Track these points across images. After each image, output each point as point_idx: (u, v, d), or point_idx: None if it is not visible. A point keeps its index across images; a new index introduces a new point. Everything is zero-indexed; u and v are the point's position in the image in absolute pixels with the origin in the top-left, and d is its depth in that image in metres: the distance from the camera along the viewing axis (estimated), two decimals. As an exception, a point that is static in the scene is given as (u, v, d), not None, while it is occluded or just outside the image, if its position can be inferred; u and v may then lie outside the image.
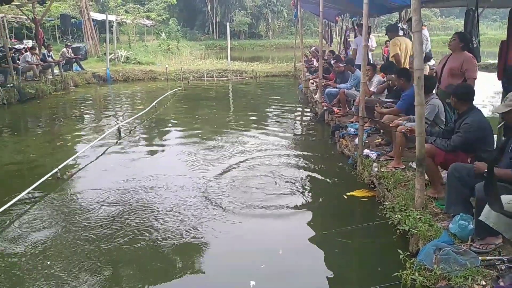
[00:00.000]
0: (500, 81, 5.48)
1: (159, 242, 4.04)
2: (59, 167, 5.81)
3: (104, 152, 7.08)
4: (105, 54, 18.37)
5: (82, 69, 17.00)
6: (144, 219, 4.56)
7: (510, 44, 5.37)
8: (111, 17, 23.21)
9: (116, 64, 19.00)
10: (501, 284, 2.72)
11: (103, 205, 4.92)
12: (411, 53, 7.86)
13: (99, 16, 26.10)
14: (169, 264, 3.73)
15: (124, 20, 27.44)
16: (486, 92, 11.18)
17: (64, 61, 15.98)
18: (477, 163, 3.41)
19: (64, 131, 8.97)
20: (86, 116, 10.88)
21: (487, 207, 2.84)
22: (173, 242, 4.04)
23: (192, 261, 3.76)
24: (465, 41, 5.39)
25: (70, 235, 4.19)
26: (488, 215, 2.82)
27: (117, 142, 7.78)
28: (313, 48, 15.89)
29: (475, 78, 5.28)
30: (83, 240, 4.09)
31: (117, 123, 8.95)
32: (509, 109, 3.15)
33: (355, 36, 11.16)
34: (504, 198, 2.70)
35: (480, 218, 2.91)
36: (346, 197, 5.06)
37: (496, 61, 6.60)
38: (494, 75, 5.72)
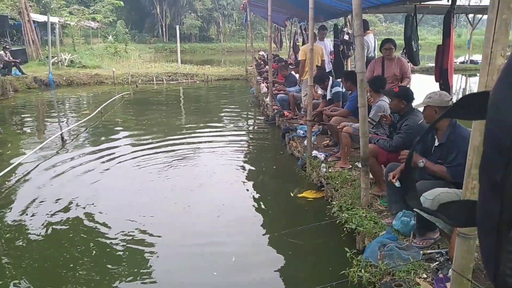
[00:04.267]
0: (438, 83, 5.81)
1: (104, 250, 3.89)
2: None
3: (44, 161, 6.71)
4: (47, 57, 17.49)
5: (22, 73, 16.06)
6: (86, 238, 4.36)
7: (445, 48, 5.71)
8: (54, 19, 22.19)
9: (59, 68, 18.15)
10: (440, 275, 2.86)
11: (36, 217, 4.66)
12: (323, 58, 8.27)
13: (41, 18, 24.80)
14: (116, 275, 3.59)
15: (68, 22, 26.28)
16: (426, 93, 11.77)
17: (1, 65, 15.04)
18: (390, 174, 3.59)
19: (2, 139, 8.42)
20: (26, 123, 10.30)
21: (421, 199, 2.98)
22: (120, 248, 3.90)
23: (143, 270, 3.64)
24: (396, 45, 5.74)
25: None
26: (424, 205, 2.96)
27: (57, 151, 7.41)
28: (261, 52, 16.07)
29: (410, 79, 5.60)
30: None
31: (61, 130, 8.54)
32: (425, 105, 3.36)
33: (303, 41, 11.39)
34: (435, 191, 2.85)
35: (414, 209, 3.06)
36: (296, 197, 5.13)
37: (434, 65, 6.99)
38: (433, 78, 6.05)
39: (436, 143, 3.42)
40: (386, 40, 5.72)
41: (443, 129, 3.28)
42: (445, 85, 5.70)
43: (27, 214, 4.72)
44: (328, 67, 8.49)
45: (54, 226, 4.44)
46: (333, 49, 8.80)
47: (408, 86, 5.48)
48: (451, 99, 3.28)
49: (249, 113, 11.54)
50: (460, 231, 1.84)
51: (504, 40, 1.60)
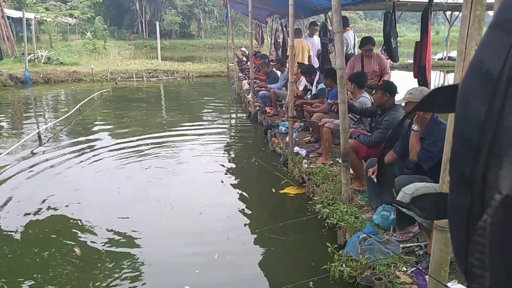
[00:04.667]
0: (416, 79, 5.90)
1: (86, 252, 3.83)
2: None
3: (20, 161, 6.55)
4: (23, 54, 17.05)
5: (-3, 70, 15.66)
6: (67, 238, 4.29)
7: (423, 45, 5.79)
8: (29, 15, 21.67)
9: (36, 65, 17.72)
10: (420, 268, 2.91)
11: (12, 217, 4.56)
12: (310, 53, 8.32)
13: (15, 14, 24.18)
14: (96, 277, 3.53)
15: (45, 18, 25.66)
16: (405, 89, 11.95)
17: (-25, 62, 14.62)
18: (370, 170, 3.66)
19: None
20: (2, 121, 10.03)
21: (400, 193, 3.03)
22: (100, 249, 3.85)
23: (124, 271, 3.59)
24: (374, 43, 5.79)
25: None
26: (402, 199, 3.01)
27: (34, 150, 7.24)
28: (243, 48, 16.02)
29: (390, 75, 5.69)
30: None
31: (38, 128, 8.35)
32: (406, 101, 3.43)
33: (283, 38, 11.39)
34: (414, 186, 2.90)
35: (393, 203, 3.11)
36: (278, 193, 5.14)
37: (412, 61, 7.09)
38: (411, 74, 6.13)
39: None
40: (366, 41, 5.78)
41: (424, 125, 3.32)
42: (423, 81, 5.78)
43: (1, 216, 4.60)
44: (315, 64, 8.50)
45: (30, 228, 4.34)
46: (320, 48, 8.79)
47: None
48: None
49: (231, 110, 11.51)
50: (437, 224, 1.87)
51: (478, 36, 1.62)
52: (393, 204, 3.18)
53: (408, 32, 46.56)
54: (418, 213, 0.62)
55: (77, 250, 3.82)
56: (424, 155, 3.18)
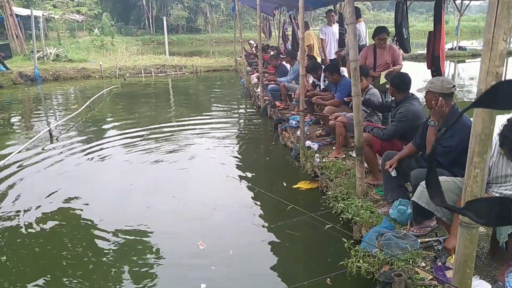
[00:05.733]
0: (430, 70, 5.80)
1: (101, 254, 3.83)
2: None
3: (32, 158, 6.58)
4: (32, 52, 17.14)
5: (7, 68, 15.73)
6: (81, 233, 4.30)
7: (436, 35, 5.69)
8: (37, 12, 21.76)
9: (45, 62, 17.81)
10: (439, 264, 2.86)
11: (26, 214, 4.58)
12: (319, 45, 8.22)
13: (24, 11, 24.28)
14: (114, 273, 3.53)
15: (52, 16, 25.78)
16: (416, 81, 11.78)
17: (-15, 61, 14.73)
18: (387, 163, 3.59)
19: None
20: (13, 119, 10.09)
21: (419, 188, 2.97)
22: (114, 246, 3.85)
23: (138, 267, 3.59)
24: (388, 34, 5.67)
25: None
26: (420, 195, 2.95)
27: (46, 147, 7.27)
28: (251, 41, 15.91)
29: (402, 66, 5.58)
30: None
31: (49, 126, 8.38)
32: (426, 90, 3.28)
33: (293, 30, 11.28)
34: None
35: (412, 199, 3.05)
36: (291, 188, 5.09)
37: (425, 52, 6.96)
38: (423, 65, 6.03)
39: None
40: (380, 30, 5.63)
41: (444, 116, 3.24)
42: (437, 72, 5.70)
43: (15, 212, 4.62)
44: (330, 55, 8.33)
45: (44, 224, 4.35)
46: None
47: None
48: (454, 85, 3.24)
49: (240, 104, 11.45)
50: (462, 221, 1.82)
51: (506, 24, 1.55)
52: (412, 200, 3.11)
53: (416, 22, 45.92)
54: (474, 219, 0.57)
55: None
56: (441, 149, 3.11)
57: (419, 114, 3.98)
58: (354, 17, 3.93)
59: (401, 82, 4.10)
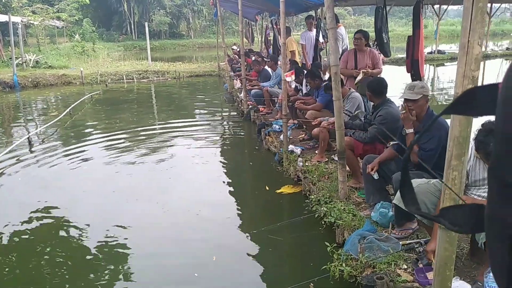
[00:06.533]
0: (409, 74, 5.88)
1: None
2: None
3: (10, 167, 6.42)
4: (10, 58, 16.78)
5: (-16, 75, 15.40)
6: (62, 243, 4.20)
7: (415, 39, 5.77)
8: (15, 19, 21.30)
9: (24, 69, 17.46)
10: (420, 265, 2.88)
11: (7, 226, 4.46)
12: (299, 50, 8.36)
13: (1, 18, 23.80)
14: (89, 280, 3.46)
15: (32, 22, 25.32)
16: (397, 85, 11.96)
17: (-39, 67, 14.37)
18: (368, 166, 3.61)
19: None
20: (-10, 127, 9.86)
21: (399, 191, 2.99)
22: (96, 253, 3.77)
23: (119, 274, 3.52)
24: (368, 37, 5.75)
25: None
26: (401, 198, 2.97)
27: (21, 156, 7.11)
28: (234, 46, 15.91)
29: (381, 70, 5.66)
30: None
31: (28, 133, 8.20)
32: (419, 96, 3.27)
33: (274, 35, 11.33)
34: (414, 182, 2.86)
35: (393, 201, 3.08)
36: (274, 193, 5.08)
37: (404, 55, 7.07)
38: (403, 69, 6.11)
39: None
40: (357, 31, 5.80)
41: (420, 119, 3.29)
42: (417, 76, 5.77)
43: (-6, 224, 4.50)
44: (310, 60, 8.39)
45: (24, 235, 4.25)
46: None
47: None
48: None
49: (224, 109, 11.42)
50: (441, 222, 1.83)
51: (480, 29, 1.58)
52: (393, 202, 3.14)
53: (396, 27, 46.66)
54: (449, 227, 0.57)
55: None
56: (425, 155, 3.15)
57: (398, 116, 4.02)
58: (334, 22, 3.96)
59: (378, 86, 4.15)
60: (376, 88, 4.16)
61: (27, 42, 26.23)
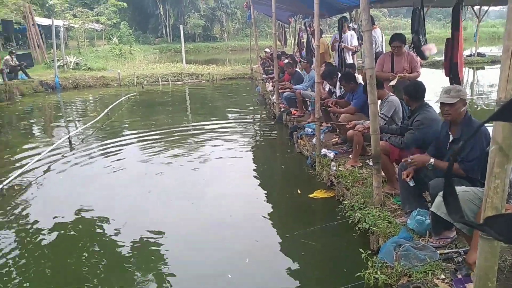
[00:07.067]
0: (448, 77, 5.71)
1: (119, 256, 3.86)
2: (4, 183, 5.47)
3: (52, 165, 6.70)
4: (52, 60, 17.53)
5: (28, 77, 16.12)
6: (99, 240, 4.34)
7: (454, 42, 5.60)
8: (58, 22, 22.27)
9: (65, 71, 18.21)
10: (459, 276, 2.78)
11: (46, 221, 4.65)
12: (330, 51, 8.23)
13: (45, 21, 24.94)
14: (130, 280, 3.55)
15: (72, 25, 26.36)
16: (435, 88, 11.63)
17: (7, 70, 15.12)
18: (404, 172, 3.51)
19: (10, 143, 8.46)
20: (34, 127, 10.32)
21: (438, 198, 2.91)
22: (131, 251, 3.88)
23: (153, 275, 3.60)
24: (404, 41, 5.60)
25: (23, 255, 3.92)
26: (439, 206, 2.88)
27: (63, 155, 7.39)
28: (267, 49, 15.93)
29: (420, 74, 5.51)
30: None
31: (68, 133, 8.53)
32: (456, 100, 3.18)
33: (307, 37, 11.26)
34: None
35: (431, 209, 2.99)
36: (307, 197, 5.06)
37: (442, 58, 6.87)
38: (441, 72, 5.94)
39: (451, 139, 3.35)
40: (394, 38, 5.60)
41: (457, 124, 3.20)
42: (455, 79, 5.60)
43: (37, 219, 4.70)
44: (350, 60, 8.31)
45: (65, 231, 4.42)
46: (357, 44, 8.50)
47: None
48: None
49: (256, 112, 11.47)
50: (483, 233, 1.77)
51: (527, 33, 1.52)
52: (431, 210, 3.05)
53: (434, 29, 45.41)
54: (495, 236, 0.56)
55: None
56: (469, 166, 3.06)
57: (436, 121, 3.92)
58: (370, 24, 3.90)
59: (416, 90, 4.04)
60: (413, 92, 4.06)
61: (68, 45, 27.32)
